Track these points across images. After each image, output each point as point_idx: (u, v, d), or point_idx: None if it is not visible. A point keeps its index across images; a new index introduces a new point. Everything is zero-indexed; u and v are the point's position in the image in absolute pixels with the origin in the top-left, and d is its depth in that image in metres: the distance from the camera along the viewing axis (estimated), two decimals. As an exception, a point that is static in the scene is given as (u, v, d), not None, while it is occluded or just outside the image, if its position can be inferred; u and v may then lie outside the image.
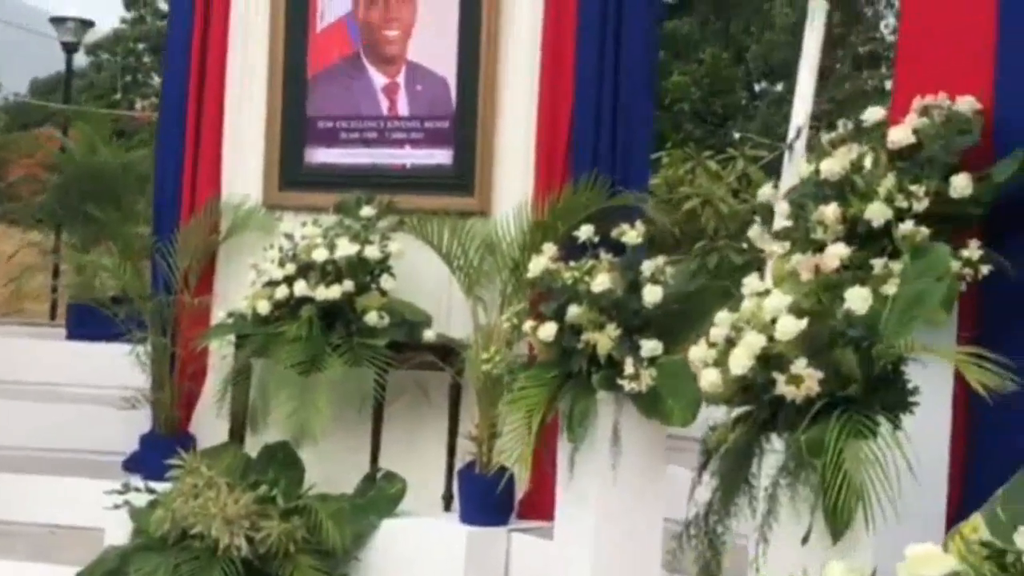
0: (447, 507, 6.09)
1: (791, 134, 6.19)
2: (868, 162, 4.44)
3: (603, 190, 5.99)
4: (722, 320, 3.79)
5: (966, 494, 4.23)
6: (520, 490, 5.98)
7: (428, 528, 5.88)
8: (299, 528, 5.62)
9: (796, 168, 4.79)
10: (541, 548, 5.59)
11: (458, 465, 6.06)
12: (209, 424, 6.50)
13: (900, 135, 4.46)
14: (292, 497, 5.78)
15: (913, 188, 4.30)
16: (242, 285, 6.39)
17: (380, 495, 5.95)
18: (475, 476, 5.87)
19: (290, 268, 6.10)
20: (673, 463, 5.13)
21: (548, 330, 4.94)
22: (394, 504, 5.93)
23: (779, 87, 21.73)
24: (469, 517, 5.87)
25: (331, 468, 6.10)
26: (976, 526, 2.02)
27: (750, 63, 20.99)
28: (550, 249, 5.25)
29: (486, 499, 5.84)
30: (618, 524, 4.88)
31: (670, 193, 11.74)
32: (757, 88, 23.31)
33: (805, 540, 3.44)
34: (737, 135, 14.33)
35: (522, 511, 6.04)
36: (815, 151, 4.89)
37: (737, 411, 3.78)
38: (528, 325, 5.07)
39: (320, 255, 6.06)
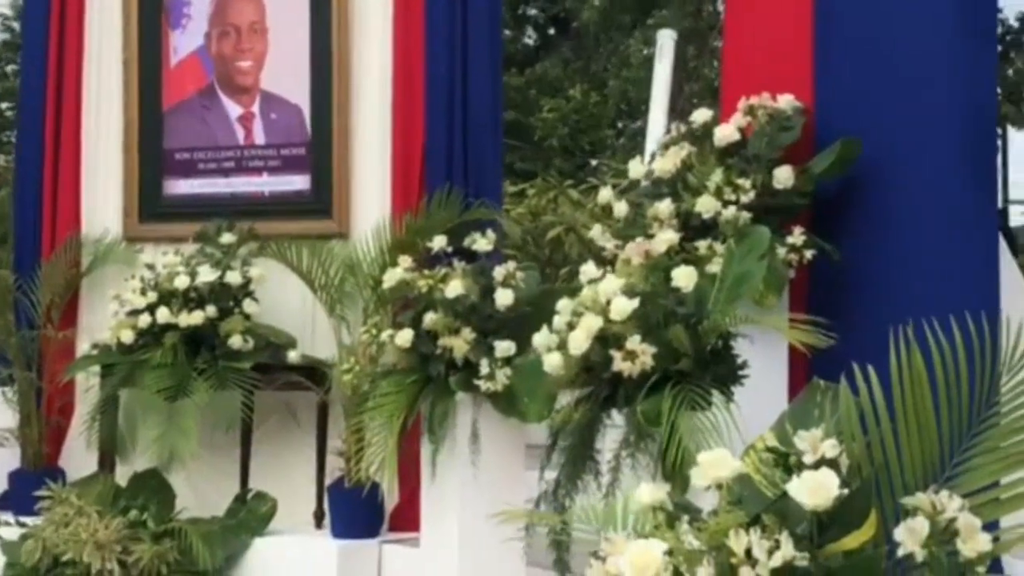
0: (319, 524, 6.18)
1: (646, 159, 6.45)
2: (697, 160, 4.71)
3: (458, 205, 6.17)
4: (563, 307, 4.00)
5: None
6: (391, 503, 6.13)
7: (299, 545, 5.97)
8: (171, 550, 5.69)
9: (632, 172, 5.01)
10: (411, 556, 5.71)
11: (328, 482, 6.16)
12: (79, 457, 6.52)
13: (726, 133, 4.72)
14: (163, 521, 5.85)
15: (740, 182, 4.56)
16: (106, 318, 6.43)
17: (251, 515, 6.03)
18: (344, 491, 5.97)
19: (152, 297, 6.16)
20: (533, 469, 5.31)
21: (405, 336, 5.11)
22: (265, 523, 6.01)
23: (639, 123, 22.21)
24: (340, 532, 5.97)
25: (202, 492, 6.19)
26: (766, 440, 2.23)
27: (611, 99, 21.46)
28: (405, 260, 5.43)
29: (356, 513, 5.95)
30: (480, 521, 5.03)
31: (534, 221, 12.05)
32: (620, 125, 23.79)
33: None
34: (594, 162, 14.65)
35: (395, 524, 6.16)
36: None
37: (580, 392, 3.99)
38: (386, 334, 5.24)
39: (182, 282, 6.15)
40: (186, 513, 5.98)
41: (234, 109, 6.73)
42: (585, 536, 3.66)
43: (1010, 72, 19.22)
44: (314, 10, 6.56)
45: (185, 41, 6.79)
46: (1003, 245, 4.61)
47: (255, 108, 6.70)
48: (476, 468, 5.03)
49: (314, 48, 6.55)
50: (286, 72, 6.64)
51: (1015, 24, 19.67)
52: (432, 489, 5.25)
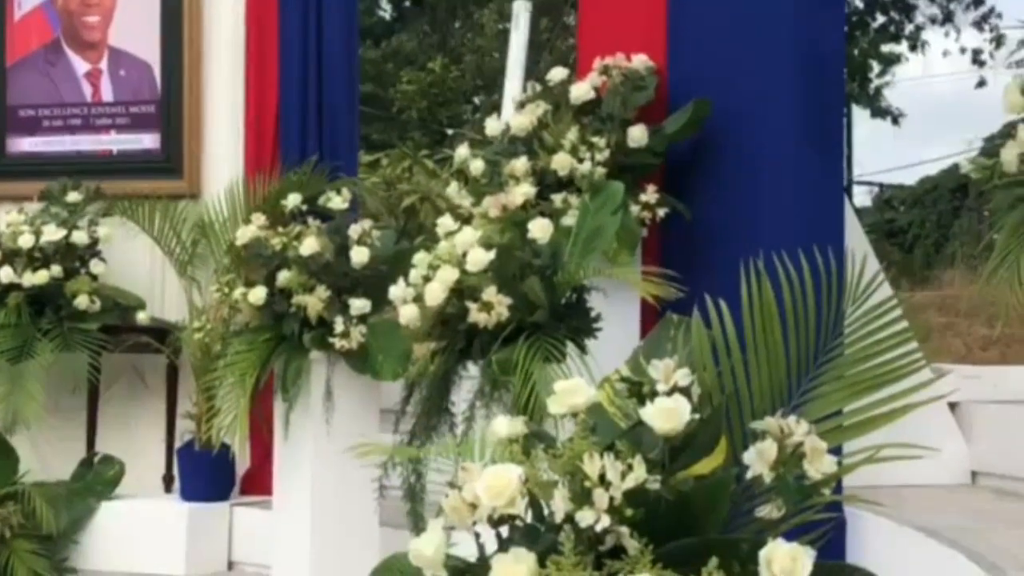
0: (168, 488, 6.11)
1: (502, 127, 6.45)
2: (553, 118, 4.74)
3: (323, 179, 6.06)
4: (420, 260, 3.99)
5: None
6: (243, 467, 6.07)
7: (147, 508, 5.89)
8: (14, 514, 5.56)
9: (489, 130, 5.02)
10: (263, 518, 5.67)
11: (177, 445, 6.07)
12: (-84, 421, 6.31)
13: (581, 91, 4.76)
14: (6, 484, 5.70)
15: (595, 140, 4.61)
16: (-55, 278, 6.22)
17: (97, 479, 5.92)
18: (194, 453, 5.89)
19: (-5, 256, 6.00)
20: (387, 432, 5.29)
21: (258, 294, 5.04)
22: (112, 487, 5.92)
23: (495, 97, 22.18)
24: (190, 495, 5.90)
25: (46, 455, 6.06)
26: (620, 371, 2.26)
27: (467, 74, 21.44)
28: (259, 218, 5.36)
29: (206, 475, 5.89)
30: (334, 480, 5.01)
31: (388, 191, 11.99)
32: (476, 100, 23.77)
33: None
34: (451, 131, 14.65)
35: (247, 488, 6.12)
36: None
37: (436, 344, 3.98)
38: (239, 292, 5.16)
39: (26, 241, 5.97)
40: (30, 477, 5.84)
41: (81, 65, 6.56)
42: (439, 487, 3.67)
43: (856, 52, 19.74)
44: (164, -35, 6.42)
45: (30, -7, 6.61)
46: (848, 208, 4.74)
47: (103, 65, 6.54)
48: (330, 427, 4.99)
49: (165, 4, 6.42)
50: (135, 28, 6.49)
51: (861, 5, 20.21)
52: (285, 449, 5.20)
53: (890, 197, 25.84)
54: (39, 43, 6.61)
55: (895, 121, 21.21)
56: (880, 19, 20.63)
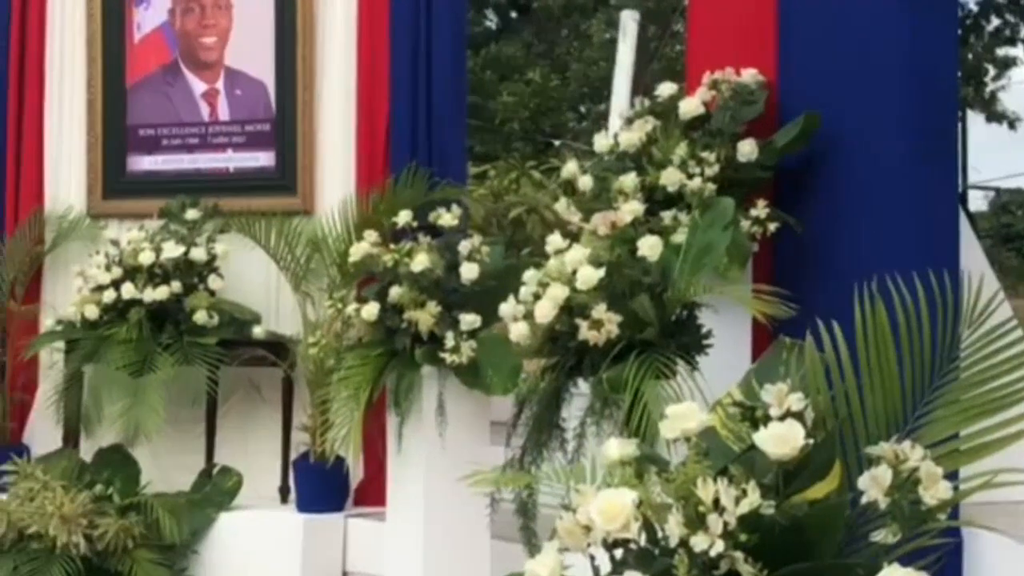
0: (284, 499, 6.21)
1: (610, 142, 6.47)
2: (662, 134, 4.75)
3: (424, 184, 6.17)
4: (530, 278, 4.03)
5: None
6: (356, 479, 6.15)
7: (264, 519, 5.99)
8: (136, 524, 5.71)
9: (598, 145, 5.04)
10: (377, 530, 5.74)
11: (293, 456, 6.18)
12: (43, 433, 6.53)
13: (690, 107, 4.76)
14: (128, 495, 5.86)
15: (704, 155, 4.60)
16: (70, 294, 6.43)
17: (216, 490, 6.05)
18: (309, 465, 5.99)
19: (117, 272, 6.17)
20: (498, 445, 5.34)
21: (371, 310, 5.13)
22: (230, 498, 6.04)
23: (602, 106, 22.20)
24: (305, 506, 5.99)
25: (167, 467, 6.20)
26: (733, 395, 2.27)
27: (573, 83, 21.46)
28: (371, 235, 5.45)
29: (321, 487, 5.97)
30: (447, 492, 5.05)
31: (495, 202, 12.07)
32: (582, 109, 23.80)
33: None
34: (557, 142, 14.71)
35: (360, 499, 6.20)
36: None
37: (546, 361, 4.02)
38: (352, 307, 5.26)
39: (146, 258, 6.15)
40: (151, 488, 6.00)
41: (198, 85, 6.72)
42: (551, 501, 3.70)
43: (970, 56, 19.42)
44: (278, -13, 6.55)
45: (149, 17, 6.78)
46: (964, 220, 4.67)
47: (219, 84, 6.69)
48: (442, 440, 5.05)
49: (278, 25, 6.54)
50: (250, 48, 6.63)
51: (975, 8, 19.88)
52: (397, 462, 5.28)
53: (1007, 202, 25.27)
54: (158, 64, 6.79)
55: (1011, 126, 20.81)
56: (995, 22, 20.27)
